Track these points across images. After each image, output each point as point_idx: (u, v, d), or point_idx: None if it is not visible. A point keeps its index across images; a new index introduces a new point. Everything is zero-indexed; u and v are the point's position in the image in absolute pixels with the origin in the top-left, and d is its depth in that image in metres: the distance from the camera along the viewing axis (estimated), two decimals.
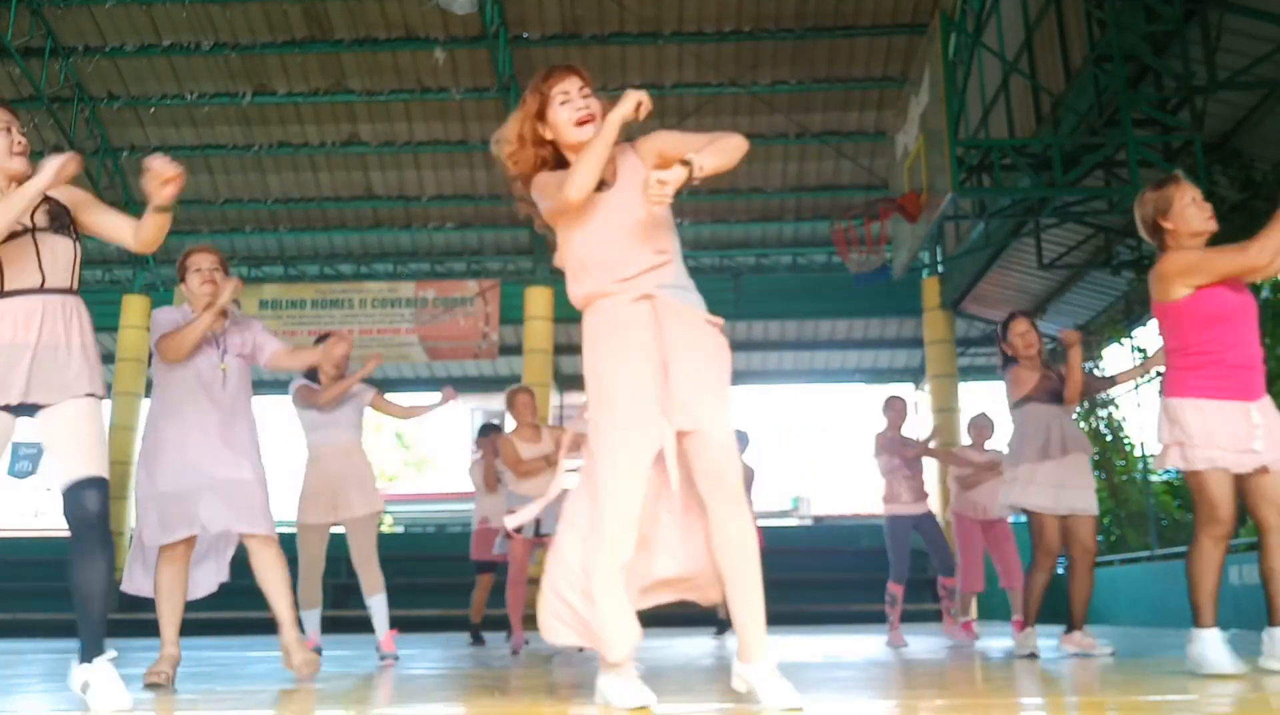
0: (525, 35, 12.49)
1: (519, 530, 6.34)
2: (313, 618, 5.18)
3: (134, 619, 9.08)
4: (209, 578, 4.08)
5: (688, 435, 2.61)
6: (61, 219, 2.98)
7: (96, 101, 13.28)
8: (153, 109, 13.28)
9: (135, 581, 3.99)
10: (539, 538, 6.42)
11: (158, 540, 3.77)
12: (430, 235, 15.23)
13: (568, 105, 2.73)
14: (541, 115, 2.76)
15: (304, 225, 15.05)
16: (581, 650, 6.25)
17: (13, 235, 2.84)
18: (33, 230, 2.89)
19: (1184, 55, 7.93)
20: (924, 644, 6.63)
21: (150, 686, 3.55)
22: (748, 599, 2.60)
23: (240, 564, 4.01)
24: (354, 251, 15.53)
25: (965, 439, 7.85)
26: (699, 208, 14.58)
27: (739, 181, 14.10)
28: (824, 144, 13.63)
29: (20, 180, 2.91)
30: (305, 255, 15.47)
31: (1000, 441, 7.34)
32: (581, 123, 2.72)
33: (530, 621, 6.59)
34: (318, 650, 5.06)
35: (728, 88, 12.91)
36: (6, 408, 2.85)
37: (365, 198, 14.63)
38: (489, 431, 8.07)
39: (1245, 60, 7.74)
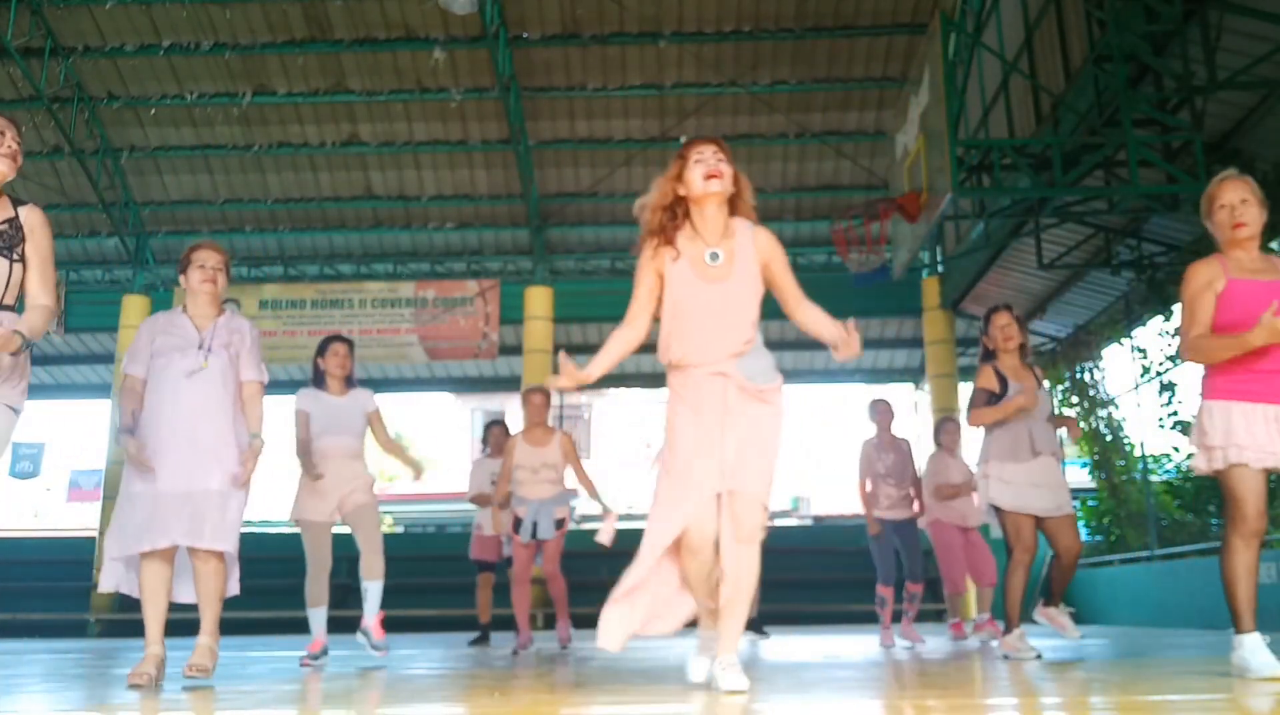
0: (525, 35, 12.48)
1: (517, 533, 6.40)
2: (319, 616, 5.12)
3: (135, 619, 9.06)
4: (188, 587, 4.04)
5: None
6: (7, 239, 3.14)
7: (96, 101, 13.28)
8: (153, 109, 13.28)
9: (116, 578, 3.91)
10: (537, 541, 6.42)
11: (140, 545, 3.72)
12: (430, 235, 15.23)
13: (700, 164, 3.15)
14: (680, 177, 3.19)
15: (304, 225, 15.06)
16: (565, 648, 6.28)
17: None
18: None
19: (1184, 55, 7.93)
20: (930, 644, 6.63)
21: (133, 687, 3.54)
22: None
23: (241, 564, 4.00)
24: (354, 251, 15.53)
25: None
26: None
27: None
28: (824, 144, 13.63)
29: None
30: (305, 255, 15.47)
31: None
32: (709, 176, 3.13)
33: (534, 621, 6.64)
34: (325, 651, 5.05)
35: (728, 88, 12.91)
36: None
37: (365, 198, 14.63)
38: (492, 428, 8.05)
39: (1245, 60, 7.74)
